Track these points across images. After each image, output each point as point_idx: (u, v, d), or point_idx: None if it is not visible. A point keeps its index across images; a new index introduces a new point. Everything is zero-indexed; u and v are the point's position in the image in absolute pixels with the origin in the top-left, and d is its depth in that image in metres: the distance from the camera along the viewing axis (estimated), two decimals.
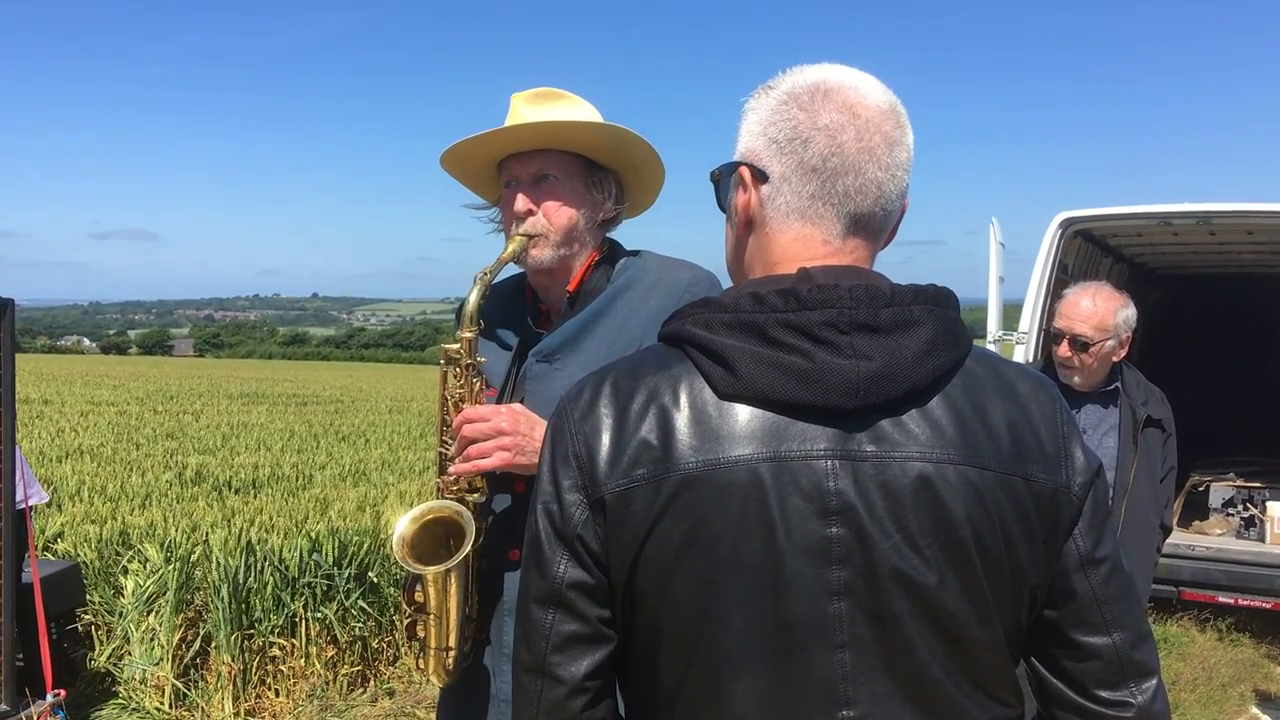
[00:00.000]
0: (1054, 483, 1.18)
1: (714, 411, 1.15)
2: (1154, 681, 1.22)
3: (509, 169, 2.09)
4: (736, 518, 1.13)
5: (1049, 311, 6.11)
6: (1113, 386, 3.58)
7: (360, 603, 5.50)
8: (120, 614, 5.23)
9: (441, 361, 2.04)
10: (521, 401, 2.05)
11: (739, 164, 1.27)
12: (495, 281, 2.08)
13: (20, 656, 3.92)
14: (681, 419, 1.16)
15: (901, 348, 1.14)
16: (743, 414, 1.15)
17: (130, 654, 5.08)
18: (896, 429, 1.14)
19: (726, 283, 1.37)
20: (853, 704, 1.14)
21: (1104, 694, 1.21)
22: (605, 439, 1.18)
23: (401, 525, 1.99)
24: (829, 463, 1.13)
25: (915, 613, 1.13)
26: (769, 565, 1.12)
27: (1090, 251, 7.52)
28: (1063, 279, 6.62)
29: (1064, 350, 3.48)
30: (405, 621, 2.07)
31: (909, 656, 1.14)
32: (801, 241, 1.23)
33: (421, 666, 2.07)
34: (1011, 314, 6.95)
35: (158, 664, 4.98)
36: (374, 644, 5.57)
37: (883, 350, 1.13)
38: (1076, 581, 1.20)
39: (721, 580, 1.13)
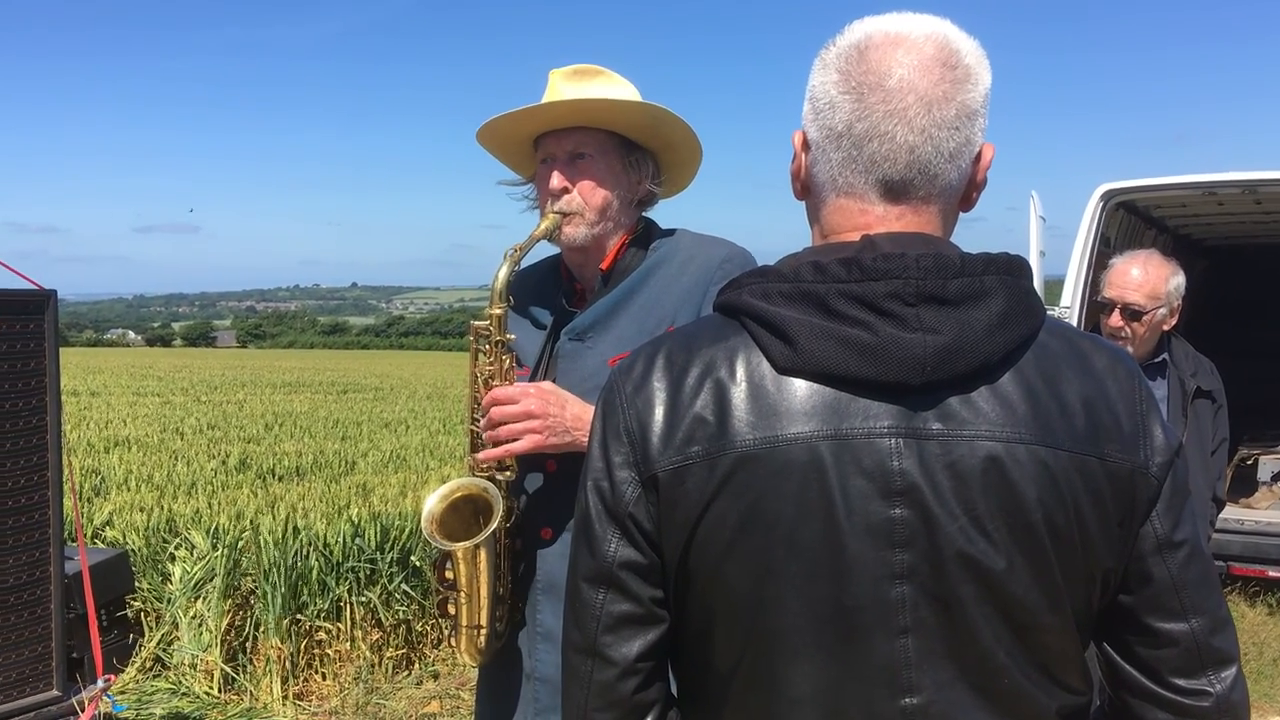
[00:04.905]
0: (1131, 463, 1.11)
1: (772, 387, 1.11)
2: (1233, 669, 1.17)
3: (545, 146, 2.07)
4: (795, 498, 1.08)
5: (1093, 284, 6.03)
6: (1160, 358, 3.52)
7: (403, 586, 5.54)
8: (169, 600, 5.30)
9: (471, 339, 2.03)
10: (554, 380, 2.04)
11: (800, 130, 1.22)
12: (531, 260, 2.07)
13: (71, 643, 3.97)
14: (738, 394, 1.11)
15: (971, 320, 1.08)
16: (802, 389, 1.10)
17: (179, 639, 5.15)
18: (965, 407, 1.08)
19: (764, 262, 1.32)
20: (916, 691, 1.09)
21: (1181, 682, 1.16)
22: (659, 414, 1.14)
23: (430, 503, 1.99)
24: (893, 441, 1.08)
25: (981, 598, 1.08)
26: (829, 547, 1.08)
27: (1133, 223, 7.39)
28: (1105, 252, 6.51)
29: (1115, 320, 3.42)
30: (436, 599, 2.07)
31: (974, 642, 1.09)
32: (840, 212, 1.18)
33: (453, 644, 2.07)
34: (1053, 288, 6.86)
35: (206, 649, 5.04)
36: (418, 627, 5.61)
37: (951, 323, 1.07)
38: (1153, 566, 1.14)
39: (779, 563, 1.09)
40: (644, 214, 2.17)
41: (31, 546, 3.21)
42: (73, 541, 4.20)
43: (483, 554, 1.95)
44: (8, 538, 3.14)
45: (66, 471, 3.35)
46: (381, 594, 5.46)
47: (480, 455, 1.97)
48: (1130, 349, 3.44)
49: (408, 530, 5.80)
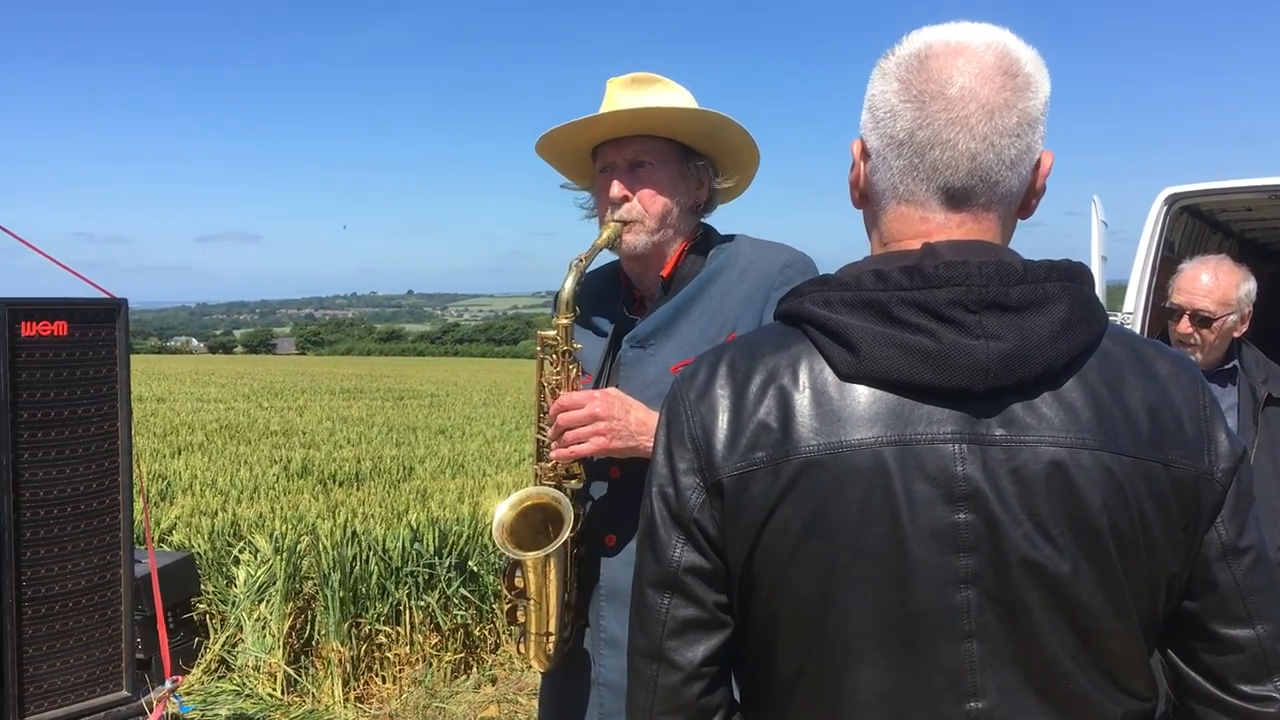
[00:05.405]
0: (1196, 468, 1.11)
1: (835, 393, 1.12)
2: None
3: (604, 155, 2.09)
4: (859, 503, 1.09)
5: (1159, 289, 5.93)
6: (1230, 365, 3.45)
7: (461, 591, 5.59)
8: (233, 603, 5.40)
9: (538, 348, 2.05)
10: (616, 387, 2.06)
11: (859, 139, 1.23)
12: (589, 269, 2.08)
13: (139, 644, 4.06)
14: (801, 400, 1.12)
15: (1034, 327, 1.08)
16: (865, 396, 1.11)
17: (243, 641, 5.23)
18: (1028, 412, 1.09)
19: (824, 267, 1.33)
20: (981, 695, 1.10)
21: (1246, 688, 1.15)
22: (722, 421, 1.15)
23: (501, 511, 2.01)
24: (956, 447, 1.08)
25: (1046, 603, 1.08)
26: (893, 552, 1.09)
27: (1197, 228, 7.25)
28: (1169, 257, 6.40)
29: (1184, 326, 3.36)
30: (505, 607, 2.09)
31: (1039, 648, 1.09)
32: (901, 219, 1.18)
33: (522, 651, 2.09)
34: (1115, 294, 6.75)
35: (270, 651, 5.12)
36: (476, 632, 5.66)
37: (1014, 330, 1.08)
38: (1218, 571, 1.14)
39: (843, 568, 1.10)
40: (702, 220, 2.18)
41: (103, 549, 3.29)
42: (141, 545, 4.29)
43: (553, 563, 1.98)
44: (79, 540, 3.22)
45: (135, 476, 3.42)
46: (440, 598, 5.52)
47: (551, 454, 1.99)
48: (1199, 356, 3.38)
49: (465, 535, 5.85)
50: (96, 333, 3.19)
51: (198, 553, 5.76)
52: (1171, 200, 6.50)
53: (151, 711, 3.46)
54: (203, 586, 5.52)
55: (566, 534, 1.96)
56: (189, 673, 4.92)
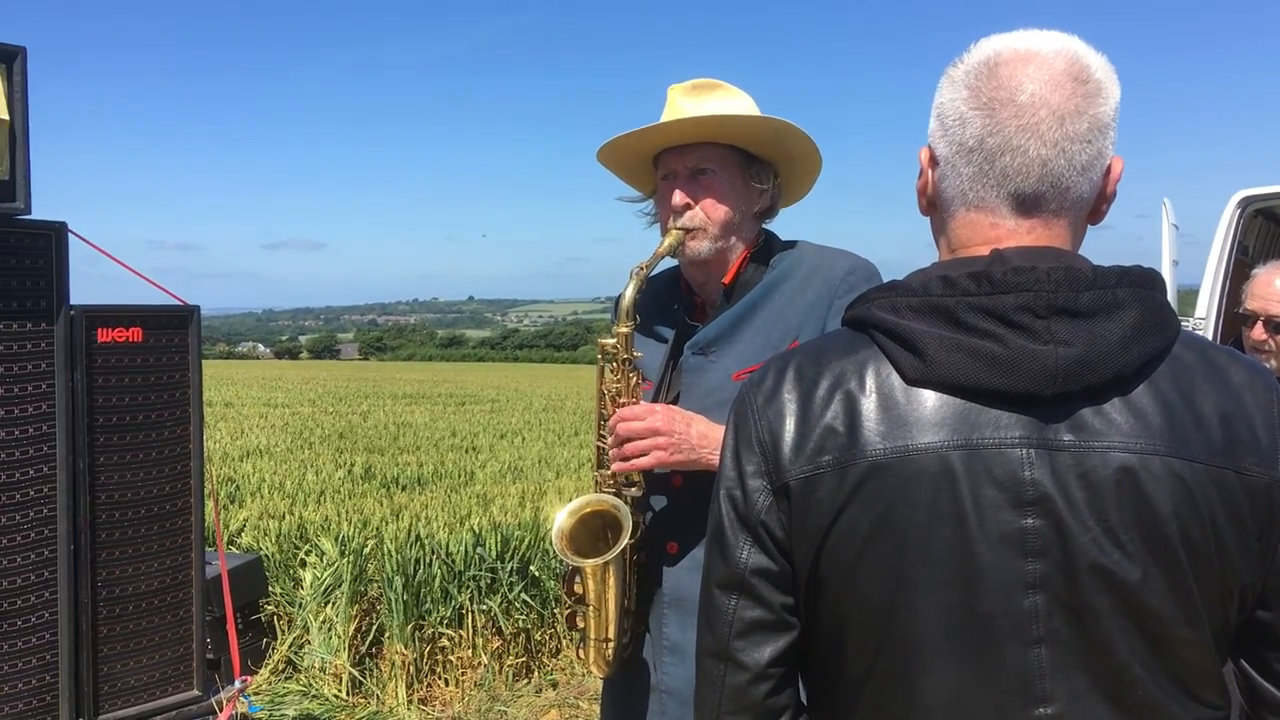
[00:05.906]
0: (1269, 477, 1.10)
1: (901, 398, 1.13)
2: None
3: (666, 162, 2.09)
4: (926, 507, 1.09)
5: (1232, 294, 5.80)
6: None
7: (523, 595, 5.63)
8: (300, 605, 5.48)
9: (599, 356, 2.06)
10: (678, 394, 2.06)
11: (927, 146, 1.24)
12: (650, 275, 2.09)
13: (209, 645, 4.14)
14: (868, 405, 1.14)
15: (1104, 333, 1.08)
16: (931, 400, 1.11)
17: (309, 643, 5.31)
18: (1097, 418, 1.08)
19: (886, 273, 1.33)
20: (1050, 701, 1.09)
21: None
22: (790, 425, 1.17)
23: (560, 518, 2.03)
24: (1024, 451, 1.08)
25: (1116, 609, 1.08)
26: (961, 557, 1.09)
27: (1272, 231, 7.09)
28: (1242, 261, 6.26)
29: (1258, 333, 3.30)
30: (565, 613, 2.10)
31: (1108, 654, 1.09)
32: (970, 226, 1.19)
33: (582, 656, 2.10)
34: (1187, 299, 6.61)
35: (335, 653, 5.19)
36: (537, 636, 5.69)
37: (1083, 335, 1.08)
38: None
39: (910, 571, 1.10)
40: (764, 225, 2.17)
41: (175, 551, 3.36)
42: (212, 546, 4.38)
43: (612, 569, 1.99)
44: (153, 542, 3.29)
45: (206, 479, 3.49)
46: (502, 602, 5.56)
47: (611, 467, 2.00)
48: (1274, 363, 3.32)
49: (527, 540, 5.89)
50: (170, 339, 3.26)
51: (265, 555, 5.86)
52: (1245, 203, 6.35)
53: (221, 711, 3.53)
54: (270, 588, 5.61)
55: (625, 541, 1.96)
56: (257, 673, 5.00)
